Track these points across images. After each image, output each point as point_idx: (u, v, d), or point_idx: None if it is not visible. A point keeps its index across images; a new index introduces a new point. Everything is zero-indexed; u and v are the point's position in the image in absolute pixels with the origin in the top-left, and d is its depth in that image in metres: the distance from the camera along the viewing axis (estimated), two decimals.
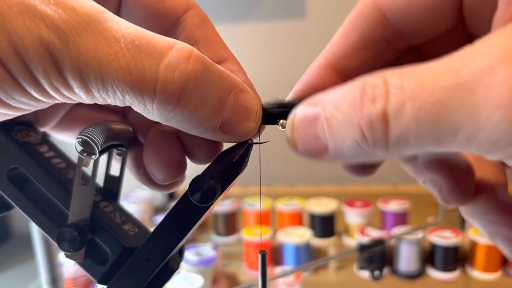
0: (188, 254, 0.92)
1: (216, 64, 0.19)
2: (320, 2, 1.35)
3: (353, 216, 1.12)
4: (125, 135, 0.24)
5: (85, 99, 0.18)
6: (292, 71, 1.36)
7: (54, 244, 0.22)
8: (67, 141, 0.26)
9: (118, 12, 0.24)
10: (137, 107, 0.18)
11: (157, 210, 1.24)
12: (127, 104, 0.18)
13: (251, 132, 0.21)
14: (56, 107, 0.24)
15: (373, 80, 0.16)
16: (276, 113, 0.21)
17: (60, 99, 0.18)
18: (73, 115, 0.25)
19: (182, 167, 0.24)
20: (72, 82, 0.17)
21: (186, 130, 0.20)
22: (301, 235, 1.06)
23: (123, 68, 0.17)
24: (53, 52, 0.16)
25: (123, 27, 0.17)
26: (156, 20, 0.24)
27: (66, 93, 0.17)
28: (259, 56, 1.40)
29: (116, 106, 0.19)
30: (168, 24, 0.24)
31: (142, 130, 0.26)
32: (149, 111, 0.18)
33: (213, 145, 0.23)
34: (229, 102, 0.20)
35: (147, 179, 0.25)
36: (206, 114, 0.19)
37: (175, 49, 0.18)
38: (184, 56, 0.18)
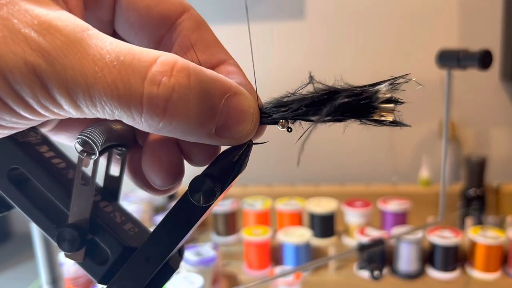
0: (188, 254, 0.92)
1: (207, 70, 0.19)
2: (319, 2, 1.34)
3: (353, 216, 1.12)
4: (125, 135, 0.24)
5: (74, 114, 0.18)
6: (291, 71, 1.36)
7: (54, 244, 0.22)
8: (64, 143, 0.26)
9: (112, 19, 0.24)
10: (127, 120, 0.19)
11: (157, 210, 1.24)
12: (117, 117, 0.18)
13: (248, 134, 0.21)
14: None
15: None
16: (275, 113, 0.21)
17: (51, 116, 0.18)
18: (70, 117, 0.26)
19: (181, 173, 0.24)
20: (61, 101, 0.17)
21: (182, 138, 0.20)
22: (301, 235, 1.07)
23: (110, 84, 0.17)
24: (39, 74, 0.16)
25: (108, 44, 0.18)
26: (151, 26, 0.24)
27: (56, 111, 0.18)
28: (259, 56, 1.40)
29: None
30: (163, 29, 0.24)
31: (139, 133, 0.26)
32: (139, 123, 0.19)
33: (211, 148, 0.23)
34: (222, 107, 0.20)
35: (145, 184, 0.25)
36: (197, 121, 0.19)
37: (158, 62, 0.18)
38: (167, 69, 0.18)
